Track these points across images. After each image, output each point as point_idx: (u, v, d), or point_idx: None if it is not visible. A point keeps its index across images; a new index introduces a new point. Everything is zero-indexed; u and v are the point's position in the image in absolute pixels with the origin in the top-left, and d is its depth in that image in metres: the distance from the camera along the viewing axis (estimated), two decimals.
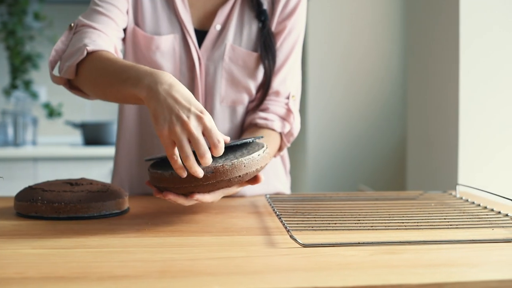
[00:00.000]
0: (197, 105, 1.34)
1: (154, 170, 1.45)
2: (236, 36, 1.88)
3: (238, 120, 1.92)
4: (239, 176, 1.41)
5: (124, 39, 1.88)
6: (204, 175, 1.37)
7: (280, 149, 1.94)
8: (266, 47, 1.87)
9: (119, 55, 1.78)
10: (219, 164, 1.38)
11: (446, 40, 2.49)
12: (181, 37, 1.86)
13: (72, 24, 1.77)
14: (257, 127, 1.88)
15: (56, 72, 1.73)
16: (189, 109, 1.33)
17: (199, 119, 1.32)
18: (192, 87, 1.86)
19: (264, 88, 1.89)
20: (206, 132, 1.33)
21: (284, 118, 1.91)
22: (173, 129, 1.31)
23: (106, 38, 1.73)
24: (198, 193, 1.43)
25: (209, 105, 1.87)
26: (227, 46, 1.86)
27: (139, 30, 1.85)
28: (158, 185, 1.45)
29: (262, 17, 1.88)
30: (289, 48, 1.92)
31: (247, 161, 1.42)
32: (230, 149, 1.51)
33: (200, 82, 1.86)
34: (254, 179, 1.48)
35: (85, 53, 1.62)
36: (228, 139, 1.42)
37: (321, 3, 3.85)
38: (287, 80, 1.92)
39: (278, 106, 1.91)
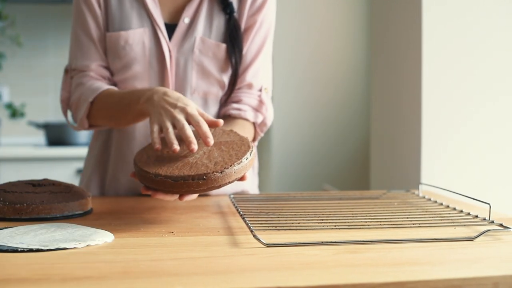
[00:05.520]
0: (184, 101, 1.58)
1: (146, 171, 1.46)
2: (205, 29, 1.91)
3: (210, 111, 1.94)
4: (229, 182, 1.43)
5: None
6: (195, 182, 1.40)
7: (254, 139, 1.99)
8: (232, 39, 1.91)
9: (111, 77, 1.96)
10: (211, 172, 1.40)
11: (409, 41, 2.50)
12: (151, 31, 1.89)
13: (67, 68, 1.96)
14: (231, 117, 1.92)
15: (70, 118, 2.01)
16: (175, 104, 1.57)
17: (183, 109, 1.55)
18: (162, 79, 1.89)
19: (233, 79, 1.93)
20: (189, 118, 1.53)
21: (257, 109, 1.95)
22: (161, 118, 1.54)
23: (96, 71, 1.91)
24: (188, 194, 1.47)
25: None
26: (197, 38, 1.89)
27: (107, 33, 1.90)
28: (148, 185, 1.46)
29: (228, 9, 1.92)
30: (260, 41, 1.97)
31: (237, 168, 1.43)
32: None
33: (171, 74, 1.89)
34: (241, 178, 1.50)
35: (89, 104, 1.84)
36: (221, 122, 1.58)
37: (288, 5, 3.85)
38: (259, 72, 1.97)
39: (250, 98, 1.95)
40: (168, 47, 1.88)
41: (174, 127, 1.53)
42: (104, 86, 1.85)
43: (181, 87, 1.90)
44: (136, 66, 1.88)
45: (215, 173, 1.40)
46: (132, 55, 1.88)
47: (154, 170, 1.44)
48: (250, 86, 1.96)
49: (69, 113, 1.97)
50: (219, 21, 1.92)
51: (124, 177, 1.93)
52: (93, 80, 1.89)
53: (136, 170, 1.50)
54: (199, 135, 1.52)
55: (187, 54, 1.89)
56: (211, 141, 1.49)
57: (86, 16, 1.90)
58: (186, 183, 1.40)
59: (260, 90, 1.97)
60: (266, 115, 1.97)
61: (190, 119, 1.53)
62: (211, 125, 1.57)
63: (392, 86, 2.69)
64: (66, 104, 1.95)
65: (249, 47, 1.96)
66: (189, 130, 1.50)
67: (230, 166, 1.42)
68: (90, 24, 1.90)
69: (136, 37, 1.87)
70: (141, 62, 1.88)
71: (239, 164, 1.44)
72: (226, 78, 1.93)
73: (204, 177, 1.40)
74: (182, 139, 1.49)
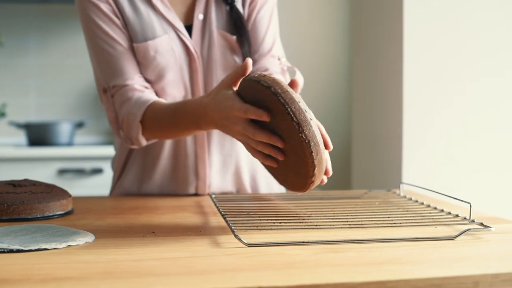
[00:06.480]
0: (234, 107, 1.46)
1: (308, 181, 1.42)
2: (218, 22, 1.92)
3: None
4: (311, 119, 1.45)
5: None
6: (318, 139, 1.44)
7: None
8: (237, 29, 1.92)
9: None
10: (300, 131, 1.40)
11: (390, 40, 2.51)
12: (175, 36, 1.88)
13: (104, 88, 1.86)
14: None
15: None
16: (234, 118, 1.47)
17: (241, 120, 1.45)
18: (192, 79, 1.89)
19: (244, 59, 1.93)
20: (253, 117, 1.42)
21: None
22: (241, 140, 1.49)
23: (138, 83, 1.84)
24: None
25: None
26: (214, 32, 1.90)
27: (133, 44, 1.87)
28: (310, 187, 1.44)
29: (229, 0, 1.93)
30: (268, 15, 1.98)
31: (303, 104, 1.43)
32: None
33: (200, 73, 1.89)
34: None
35: (139, 124, 1.78)
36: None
37: None
38: (275, 44, 1.99)
39: (274, 66, 1.97)
40: (194, 48, 1.88)
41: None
42: (149, 99, 1.80)
43: (209, 84, 1.90)
44: (170, 74, 1.86)
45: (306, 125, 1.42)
46: (165, 64, 1.86)
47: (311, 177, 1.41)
48: (271, 56, 1.97)
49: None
50: (228, 12, 1.93)
51: (157, 176, 1.95)
52: (137, 93, 1.82)
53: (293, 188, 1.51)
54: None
55: (209, 50, 1.90)
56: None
57: (107, 29, 1.84)
58: (317, 156, 1.42)
59: (279, 59, 2.00)
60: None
61: (254, 117, 1.44)
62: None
63: (373, 86, 2.70)
64: (116, 124, 1.86)
65: (259, 22, 1.97)
66: (273, 136, 1.43)
67: (299, 103, 1.41)
68: (115, 36, 1.85)
69: (164, 45, 1.86)
70: (174, 68, 1.87)
71: (299, 102, 1.42)
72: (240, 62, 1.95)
73: (308, 141, 1.41)
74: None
